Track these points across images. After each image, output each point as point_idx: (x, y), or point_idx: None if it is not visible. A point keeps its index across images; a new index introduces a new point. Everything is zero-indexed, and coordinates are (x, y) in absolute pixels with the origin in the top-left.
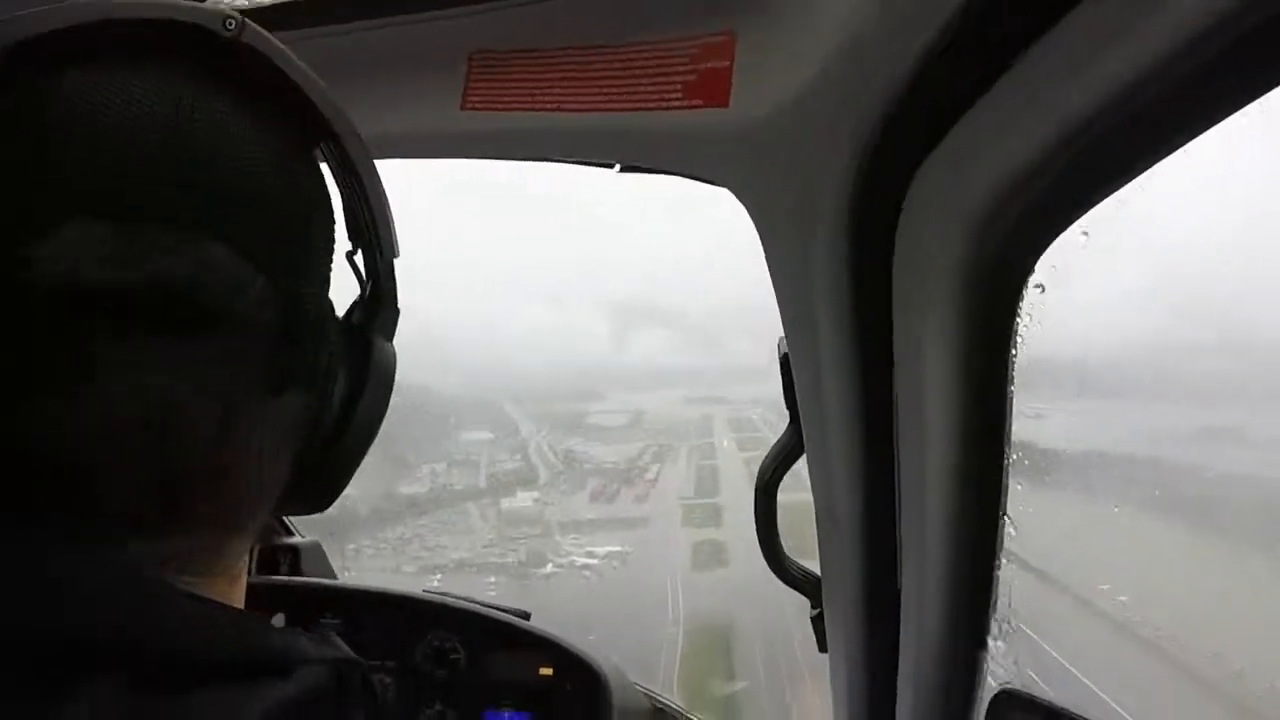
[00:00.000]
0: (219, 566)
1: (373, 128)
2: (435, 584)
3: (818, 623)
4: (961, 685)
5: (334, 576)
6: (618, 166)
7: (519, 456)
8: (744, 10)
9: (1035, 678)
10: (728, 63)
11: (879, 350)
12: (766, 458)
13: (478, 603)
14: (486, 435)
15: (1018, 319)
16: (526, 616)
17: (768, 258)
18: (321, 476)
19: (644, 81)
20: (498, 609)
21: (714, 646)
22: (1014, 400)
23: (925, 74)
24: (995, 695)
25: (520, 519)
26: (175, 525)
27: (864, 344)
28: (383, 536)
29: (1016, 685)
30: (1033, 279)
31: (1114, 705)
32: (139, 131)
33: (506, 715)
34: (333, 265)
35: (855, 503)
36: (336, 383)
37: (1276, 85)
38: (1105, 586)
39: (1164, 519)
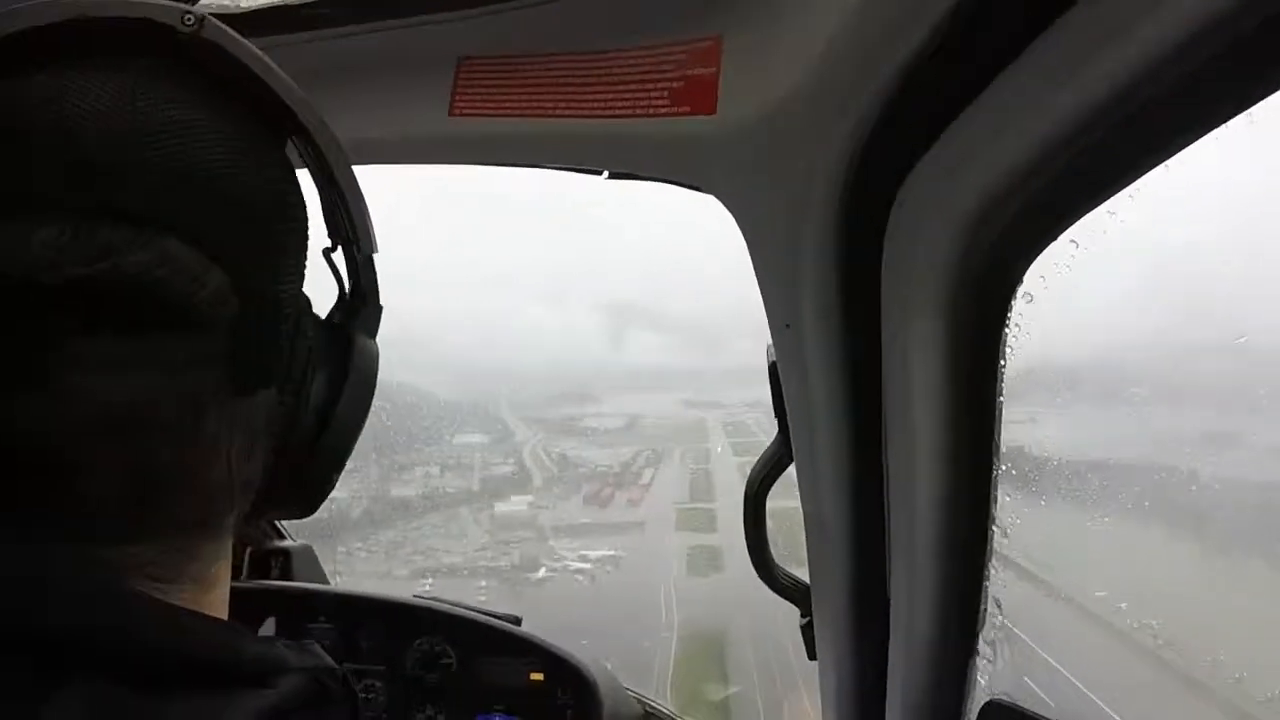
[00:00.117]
0: (191, 571)
1: (361, 133)
2: (427, 587)
3: (807, 631)
4: (950, 693)
5: (325, 581)
6: (605, 173)
7: (513, 460)
8: (730, 17)
9: (1032, 685)
10: (714, 70)
11: (867, 358)
12: (755, 466)
13: (469, 608)
14: (480, 438)
15: (1007, 328)
16: (518, 622)
17: (755, 265)
18: (304, 478)
19: (631, 88)
20: (489, 614)
21: (707, 652)
22: (1003, 409)
23: (912, 81)
24: (984, 705)
25: (513, 523)
26: (141, 526)
27: (852, 351)
28: (374, 539)
29: (1009, 690)
30: (1021, 289)
31: (1109, 712)
32: (93, 128)
33: (497, 719)
34: (307, 261)
35: (844, 511)
36: (314, 381)
37: (1269, 94)
38: (1102, 593)
39: (1162, 525)
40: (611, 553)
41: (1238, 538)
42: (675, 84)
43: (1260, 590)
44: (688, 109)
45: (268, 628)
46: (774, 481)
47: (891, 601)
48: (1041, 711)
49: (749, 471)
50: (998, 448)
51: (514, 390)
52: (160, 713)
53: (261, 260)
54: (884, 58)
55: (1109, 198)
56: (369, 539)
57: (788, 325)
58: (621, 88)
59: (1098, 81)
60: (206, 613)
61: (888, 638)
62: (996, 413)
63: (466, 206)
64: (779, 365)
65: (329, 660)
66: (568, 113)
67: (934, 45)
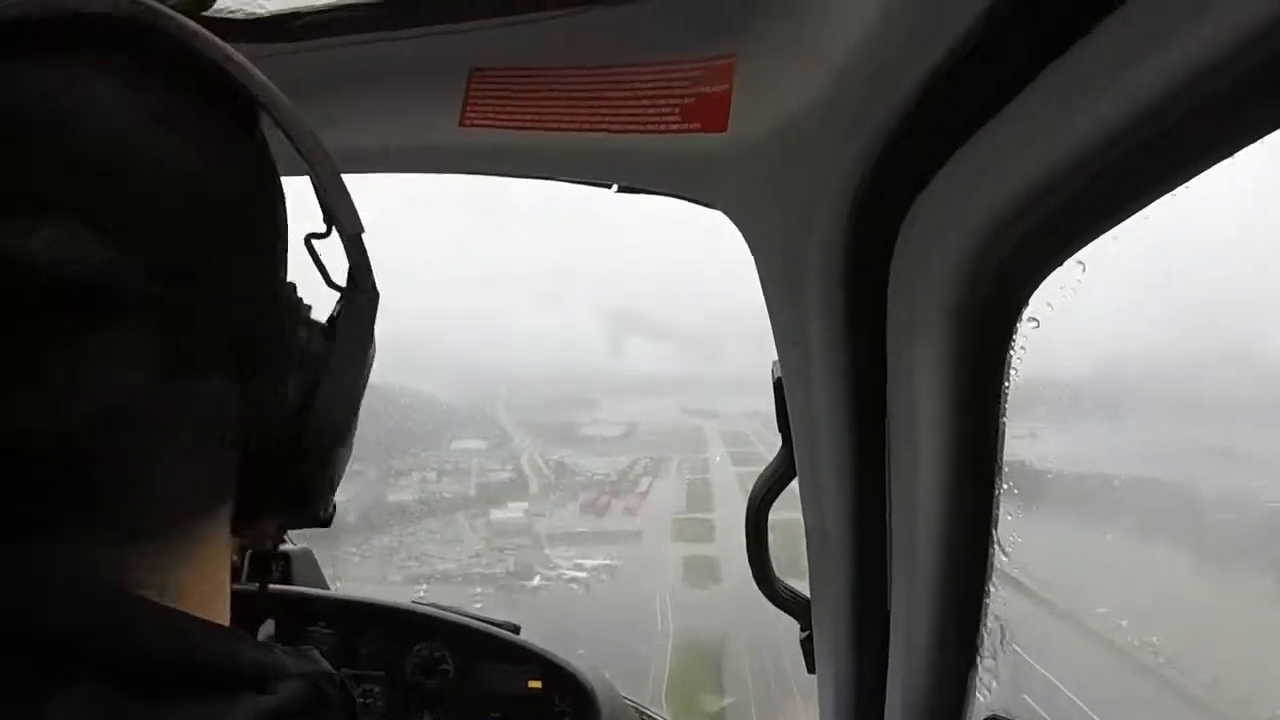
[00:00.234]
0: (176, 573)
1: (372, 141)
2: (421, 594)
3: (807, 645)
4: (950, 707)
5: (325, 585)
6: (615, 186)
7: (510, 466)
8: (744, 36)
9: (1030, 702)
10: (726, 87)
11: (872, 375)
12: (759, 480)
13: (468, 615)
14: (479, 444)
15: (1012, 348)
16: (516, 630)
17: (762, 281)
18: (293, 480)
19: (643, 103)
20: (488, 622)
21: (703, 664)
22: (1006, 427)
23: (922, 103)
24: None
25: (509, 530)
26: (115, 528)
27: (857, 369)
28: (369, 545)
29: (1007, 707)
30: (1027, 311)
31: None
32: (8, 118)
33: None
34: (277, 248)
35: (847, 525)
36: (285, 373)
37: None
38: (1102, 609)
39: (1164, 541)
40: (607, 562)
41: (1242, 554)
42: (687, 100)
43: (1263, 607)
44: (699, 126)
45: (266, 629)
46: (777, 495)
47: (892, 615)
48: None
49: (746, 482)
50: (1000, 465)
51: (512, 391)
52: (163, 715)
53: (186, 242)
54: (894, 80)
55: (1120, 221)
56: (363, 544)
57: (795, 342)
58: (633, 103)
59: (1111, 105)
60: (205, 616)
61: (888, 651)
62: (999, 431)
63: (465, 208)
64: (784, 380)
65: (327, 666)
66: (578, 126)
67: (945, 68)
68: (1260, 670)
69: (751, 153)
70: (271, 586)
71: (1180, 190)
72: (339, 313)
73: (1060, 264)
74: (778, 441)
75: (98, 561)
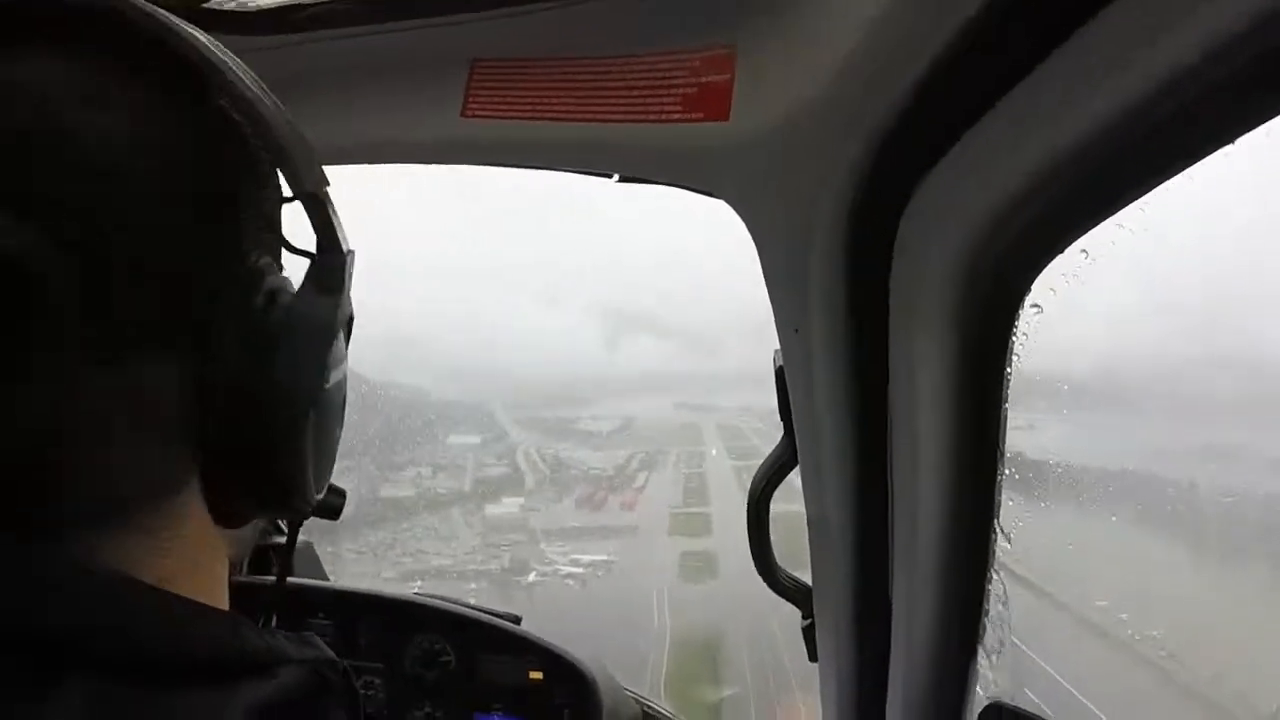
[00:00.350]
0: (152, 560)
1: (374, 133)
2: (417, 590)
3: (809, 633)
4: (951, 697)
5: (325, 577)
6: (616, 177)
7: (506, 461)
8: (746, 25)
9: (1030, 695)
10: (729, 77)
11: (874, 364)
12: (760, 469)
13: (469, 606)
14: (474, 439)
15: (1014, 336)
16: (517, 621)
17: (764, 270)
18: (254, 456)
19: (644, 93)
20: (489, 613)
21: (700, 660)
22: (1007, 417)
23: (925, 93)
24: (985, 708)
25: (505, 525)
26: (80, 516)
27: (859, 358)
28: (364, 540)
29: (1007, 699)
30: (1029, 299)
31: None
32: None
33: (496, 718)
34: (226, 215)
35: (848, 514)
36: (240, 345)
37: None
38: (1102, 603)
39: (1164, 536)
40: (603, 557)
41: (1241, 548)
42: (689, 90)
43: (1265, 601)
44: (701, 115)
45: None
46: (778, 484)
47: (893, 604)
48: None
49: (744, 476)
50: (1002, 454)
51: (508, 386)
52: (161, 706)
53: (109, 222)
54: (897, 71)
55: (1118, 210)
56: (358, 539)
57: (796, 330)
58: (635, 93)
59: (1110, 96)
60: (205, 603)
61: (889, 640)
62: (1001, 420)
63: (460, 200)
64: (786, 369)
65: (330, 652)
66: (580, 116)
67: (948, 59)
68: (1265, 665)
69: (754, 142)
70: (271, 578)
71: (1180, 192)
72: (310, 279)
73: (1061, 251)
74: (771, 433)
75: (90, 554)
